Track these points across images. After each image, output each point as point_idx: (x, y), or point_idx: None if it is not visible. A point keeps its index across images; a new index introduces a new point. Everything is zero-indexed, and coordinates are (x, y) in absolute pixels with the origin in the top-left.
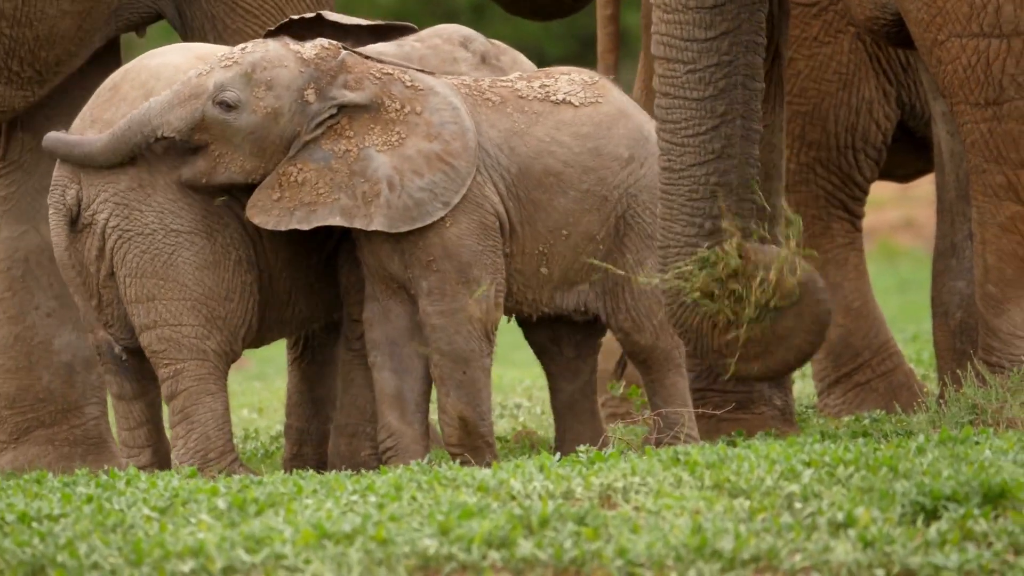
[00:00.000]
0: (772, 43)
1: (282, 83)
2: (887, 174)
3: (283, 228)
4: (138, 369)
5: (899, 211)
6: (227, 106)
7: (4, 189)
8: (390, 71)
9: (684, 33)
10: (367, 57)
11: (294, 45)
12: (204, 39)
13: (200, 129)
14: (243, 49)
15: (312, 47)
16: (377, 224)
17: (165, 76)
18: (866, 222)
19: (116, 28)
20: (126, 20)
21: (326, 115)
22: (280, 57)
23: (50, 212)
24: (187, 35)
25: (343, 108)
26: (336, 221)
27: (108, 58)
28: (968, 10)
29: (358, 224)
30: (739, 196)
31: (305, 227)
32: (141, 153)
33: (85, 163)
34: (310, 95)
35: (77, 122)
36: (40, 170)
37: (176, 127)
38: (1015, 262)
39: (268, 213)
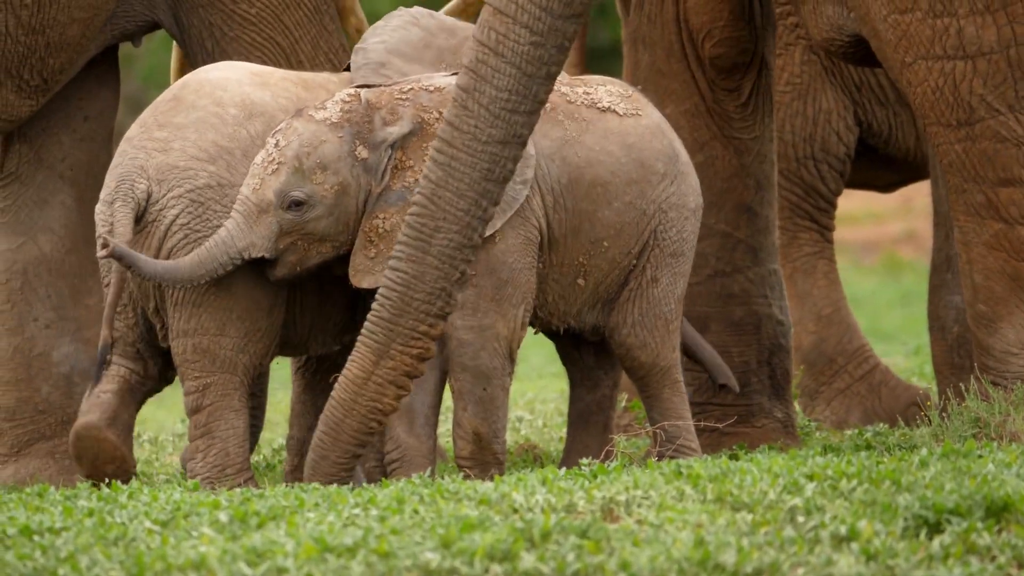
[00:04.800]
0: (758, 54)
1: (331, 156)
2: (867, 184)
3: None
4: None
5: (902, 223)
6: (298, 205)
7: (1, 201)
8: (410, 86)
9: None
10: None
11: (317, 114)
12: (202, 47)
13: (283, 236)
14: (276, 146)
15: (334, 106)
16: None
17: (231, 88)
18: (869, 235)
19: (111, 36)
20: (121, 28)
21: (386, 159)
22: (315, 134)
23: (116, 204)
24: (185, 43)
25: (394, 144)
26: None
27: (105, 69)
28: (931, 33)
29: None
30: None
31: None
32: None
33: (166, 281)
34: (361, 151)
35: (136, 129)
36: (37, 182)
37: (263, 247)
38: (1003, 279)
39: (373, 272)
